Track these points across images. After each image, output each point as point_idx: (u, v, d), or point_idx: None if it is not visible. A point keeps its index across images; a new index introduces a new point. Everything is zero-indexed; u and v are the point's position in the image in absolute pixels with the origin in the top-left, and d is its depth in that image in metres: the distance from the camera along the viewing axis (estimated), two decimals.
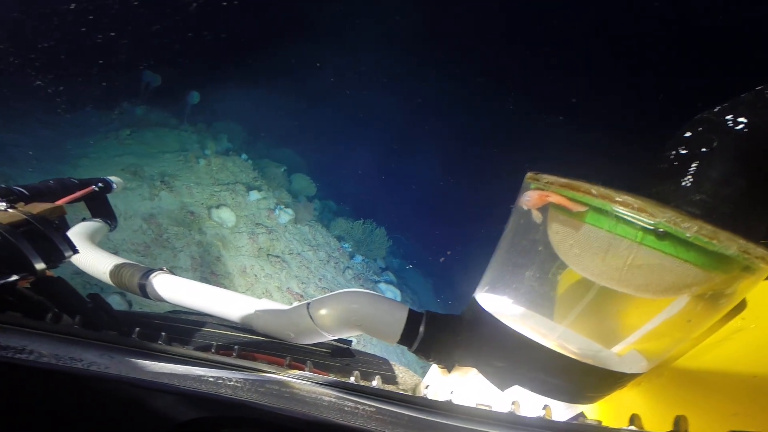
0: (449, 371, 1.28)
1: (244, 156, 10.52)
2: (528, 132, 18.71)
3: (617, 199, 0.85)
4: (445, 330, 1.21)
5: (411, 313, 1.24)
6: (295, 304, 1.40)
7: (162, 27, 13.48)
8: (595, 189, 0.88)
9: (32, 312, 0.81)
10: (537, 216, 1.01)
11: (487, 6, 18.34)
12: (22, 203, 1.05)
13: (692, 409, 1.01)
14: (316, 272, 8.42)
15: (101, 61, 12.00)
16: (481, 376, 1.15)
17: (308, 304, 1.33)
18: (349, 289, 1.32)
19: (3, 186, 1.29)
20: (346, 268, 9.39)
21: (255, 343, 1.52)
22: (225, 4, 14.62)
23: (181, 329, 1.50)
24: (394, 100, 20.09)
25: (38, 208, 1.05)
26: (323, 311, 1.28)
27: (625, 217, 0.85)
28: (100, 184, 1.85)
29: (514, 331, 1.04)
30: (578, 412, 1.11)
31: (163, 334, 0.85)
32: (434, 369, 1.41)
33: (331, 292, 1.35)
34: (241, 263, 7.37)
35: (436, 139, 20.67)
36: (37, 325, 0.77)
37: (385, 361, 1.82)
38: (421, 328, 1.20)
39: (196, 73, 13.78)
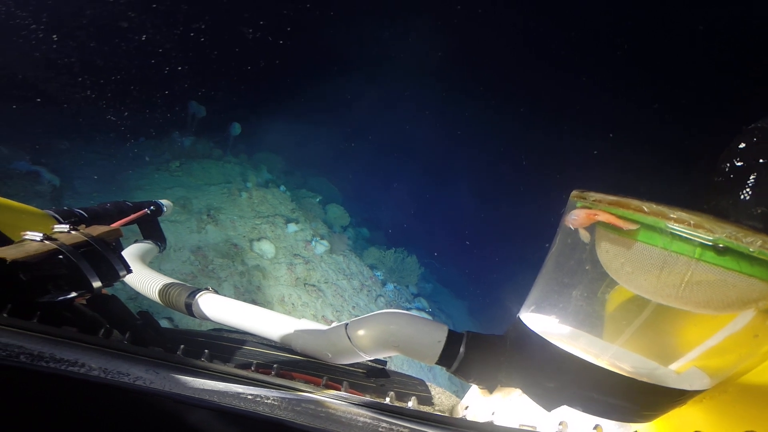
0: (491, 392, 1.20)
1: (282, 188, 10.72)
2: (564, 154, 18.29)
3: (671, 215, 0.78)
4: (487, 350, 1.14)
5: (451, 333, 1.18)
6: (334, 324, 1.36)
7: (207, 59, 14.06)
8: (646, 206, 0.82)
9: (86, 327, 0.82)
10: (584, 235, 0.95)
11: (519, 30, 18.27)
12: (83, 225, 1.07)
13: (761, 425, 0.90)
14: (349, 300, 8.38)
15: (166, 92, 12.44)
16: (525, 396, 1.07)
17: (346, 324, 1.29)
18: (387, 309, 1.28)
19: (66, 208, 1.34)
20: (378, 296, 9.31)
21: (293, 362, 1.49)
22: (269, 40, 15.30)
23: (223, 347, 1.49)
24: (427, 128, 20.21)
25: (98, 230, 1.08)
26: (361, 332, 1.24)
27: (681, 233, 0.78)
28: (152, 207, 1.90)
29: (564, 350, 0.97)
30: (632, 431, 1.03)
31: (206, 351, 0.85)
32: (474, 390, 1.32)
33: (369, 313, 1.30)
34: (280, 292, 7.43)
35: (470, 164, 20.59)
36: (90, 340, 0.78)
37: (421, 382, 1.73)
38: (462, 349, 1.14)
39: (238, 104, 14.17)
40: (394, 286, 10.47)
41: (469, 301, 14.76)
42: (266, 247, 8.06)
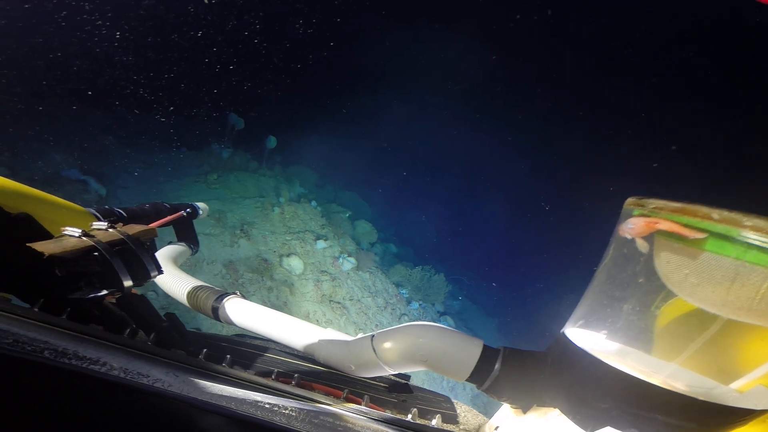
0: (525, 412, 1.09)
1: (313, 203, 10.73)
2: (609, 166, 17.72)
3: (746, 223, 0.68)
4: (527, 367, 1.04)
5: (486, 348, 1.08)
6: (359, 335, 1.28)
7: (248, 72, 14.30)
8: (716, 213, 0.72)
9: (113, 326, 0.80)
10: (642, 245, 0.85)
11: (565, 34, 17.81)
12: (120, 224, 1.06)
13: None
14: (373, 318, 8.26)
15: (208, 103, 12.54)
16: (563, 417, 0.97)
17: (372, 336, 1.21)
18: (417, 322, 1.19)
19: (106, 207, 1.34)
20: (402, 315, 9.14)
21: (314, 373, 1.43)
22: (307, 54, 15.49)
23: (245, 353, 1.45)
24: (460, 143, 20.04)
25: (134, 229, 1.06)
26: (387, 344, 1.16)
27: (758, 243, 0.67)
28: (188, 210, 1.89)
29: (617, 368, 0.87)
30: None
31: (228, 357, 0.83)
32: (505, 409, 1.21)
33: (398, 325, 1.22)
34: (306, 308, 7.40)
35: (505, 179, 20.23)
36: (114, 339, 0.76)
37: (446, 399, 1.62)
38: (497, 365, 1.04)
39: (275, 117, 14.29)
40: (420, 304, 10.27)
41: (499, 318, 14.33)
42: (295, 263, 8.08)
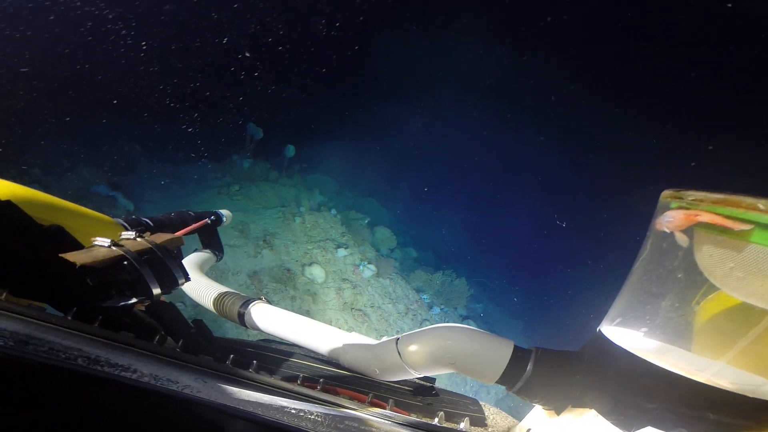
0: (558, 413, 1.04)
1: (333, 211, 10.71)
2: (629, 162, 17.08)
3: None
4: (561, 368, 1.00)
5: (517, 349, 1.04)
6: (384, 338, 1.26)
7: (267, 80, 14.21)
8: (762, 203, 0.68)
9: (143, 333, 0.81)
10: (682, 239, 0.80)
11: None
12: (148, 233, 1.07)
13: None
14: (394, 324, 8.20)
15: (227, 113, 12.32)
16: (600, 417, 0.93)
17: (397, 339, 1.18)
18: (443, 324, 1.16)
19: (133, 217, 1.36)
20: (423, 320, 9.04)
21: (338, 377, 1.41)
22: (321, 61, 15.36)
23: (271, 358, 1.44)
24: (481, 145, 19.65)
25: (161, 238, 1.07)
26: (413, 347, 1.12)
27: None
28: (212, 217, 1.92)
29: (659, 366, 0.83)
30: None
31: (254, 362, 0.83)
32: (537, 410, 1.16)
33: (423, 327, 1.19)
34: (328, 316, 7.41)
35: (527, 180, 19.77)
36: (144, 346, 0.77)
37: (474, 401, 1.56)
38: (529, 366, 1.00)
39: (293, 126, 14.15)
40: (441, 309, 10.13)
41: (524, 320, 13.95)
42: (317, 272, 8.12)
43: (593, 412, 0.95)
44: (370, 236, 10.95)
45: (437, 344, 1.10)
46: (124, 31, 10.74)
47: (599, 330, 1.00)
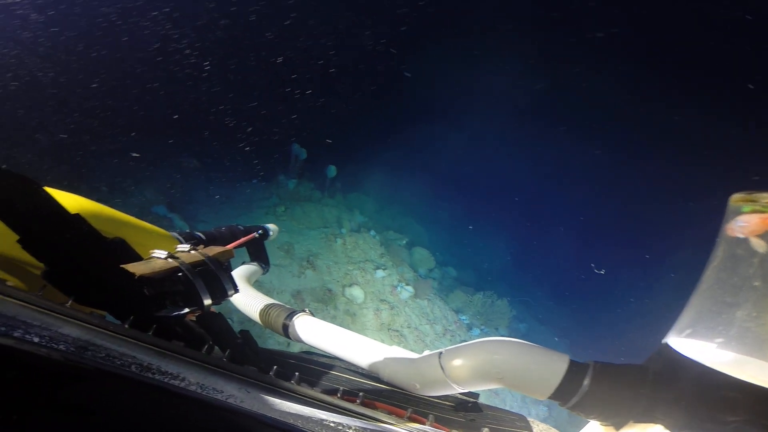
0: (618, 429, 0.96)
1: (372, 232, 10.69)
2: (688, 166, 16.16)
3: None
4: (623, 382, 0.92)
5: (572, 363, 0.97)
6: (426, 352, 1.21)
7: (312, 101, 14.32)
8: None
9: (192, 342, 0.81)
10: (758, 244, 0.72)
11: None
12: (201, 246, 1.10)
13: None
14: (431, 345, 8.00)
15: (275, 135, 12.34)
16: None
17: (440, 353, 1.12)
18: (490, 338, 1.09)
19: (188, 231, 1.40)
20: (462, 341, 8.72)
21: (378, 391, 1.36)
22: (366, 91, 15.48)
23: (311, 370, 1.43)
24: (522, 164, 19.11)
25: (213, 251, 1.09)
26: (457, 362, 1.07)
27: None
28: (260, 231, 1.97)
29: (741, 380, 0.76)
30: None
31: (296, 374, 0.82)
32: (593, 426, 1.07)
33: (467, 342, 1.13)
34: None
35: (571, 198, 19.04)
36: (193, 355, 0.77)
37: (521, 417, 1.46)
38: (586, 381, 0.93)
39: (335, 146, 14.13)
40: (481, 330, 9.78)
41: (571, 338, 13.18)
42: (356, 293, 8.13)
43: (659, 427, 0.88)
44: (409, 257, 10.84)
45: (485, 359, 1.04)
46: (187, 50, 11.19)
47: (665, 342, 0.93)
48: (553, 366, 0.96)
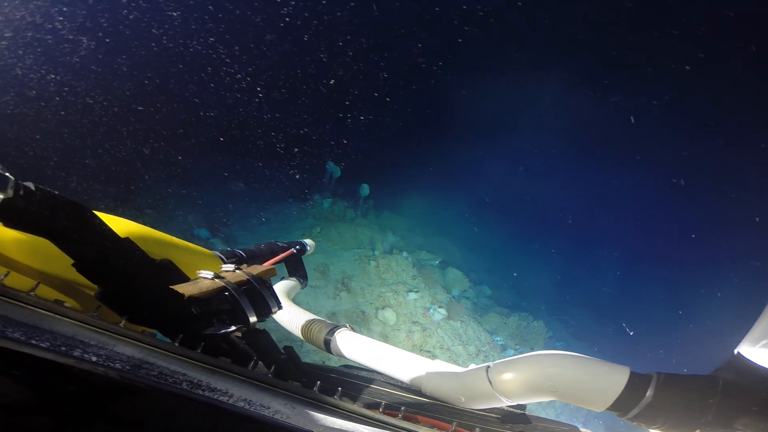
0: None
1: (404, 254, 10.48)
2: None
3: None
4: (690, 393, 0.90)
5: (633, 375, 0.94)
6: (472, 366, 1.17)
7: (343, 119, 14.30)
8: None
9: (238, 359, 0.81)
10: None
11: None
12: (245, 264, 1.10)
13: None
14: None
15: (312, 156, 12.24)
16: None
17: (488, 367, 1.09)
18: (543, 351, 1.05)
19: (229, 249, 1.42)
20: None
21: (419, 405, 1.32)
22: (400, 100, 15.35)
23: (353, 384, 1.40)
24: (558, 187, 18.67)
25: (257, 269, 1.10)
26: (508, 375, 1.03)
27: None
28: (297, 247, 1.99)
29: None
30: None
31: (339, 389, 0.81)
32: None
33: (518, 355, 1.08)
34: None
35: (617, 216, 18.34)
36: (240, 371, 0.77)
37: (573, 428, 1.37)
38: (650, 392, 0.90)
39: (368, 165, 13.99)
40: (516, 350, 9.35)
41: (610, 357, 12.46)
42: (389, 315, 8.03)
43: None
44: (441, 278, 10.58)
45: (539, 372, 1.00)
46: (239, 75, 11.43)
47: (737, 352, 0.89)
48: (613, 378, 0.94)
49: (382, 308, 8.11)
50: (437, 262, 11.10)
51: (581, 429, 1.36)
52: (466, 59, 17.17)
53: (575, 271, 16.85)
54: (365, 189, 11.49)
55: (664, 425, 0.93)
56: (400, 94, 16.29)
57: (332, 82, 13.40)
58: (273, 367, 0.85)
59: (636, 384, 0.93)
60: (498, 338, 9.50)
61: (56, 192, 0.77)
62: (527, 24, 16.71)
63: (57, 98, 8.70)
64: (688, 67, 15.04)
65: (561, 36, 16.50)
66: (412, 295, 8.71)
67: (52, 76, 8.73)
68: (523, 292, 13.23)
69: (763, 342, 0.86)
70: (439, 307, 8.83)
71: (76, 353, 0.64)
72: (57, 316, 0.72)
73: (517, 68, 17.30)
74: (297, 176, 11.64)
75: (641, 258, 18.05)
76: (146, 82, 10.50)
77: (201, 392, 0.65)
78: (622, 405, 0.92)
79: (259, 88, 12.09)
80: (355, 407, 0.77)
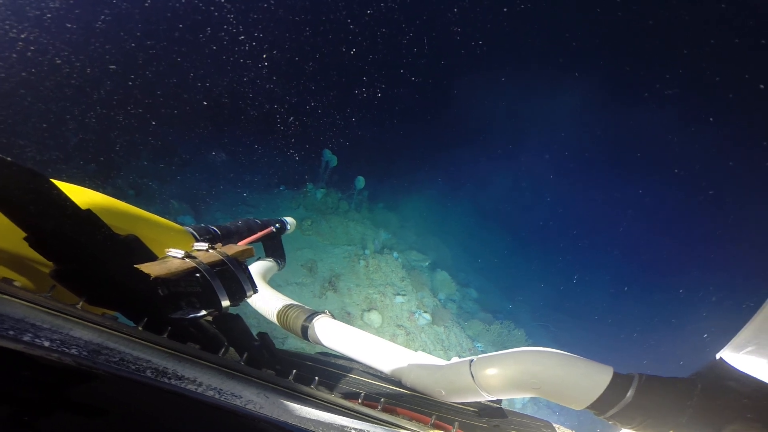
0: None
1: (395, 254, 10.28)
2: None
3: None
4: (669, 395, 0.90)
5: (616, 375, 0.95)
6: (455, 360, 1.16)
7: (343, 110, 14.06)
8: None
9: (208, 345, 0.75)
10: None
11: None
12: (219, 243, 1.03)
13: None
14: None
15: (306, 143, 11.94)
16: None
17: (471, 361, 1.08)
18: (527, 348, 1.04)
19: (202, 225, 1.32)
20: None
21: (398, 396, 1.29)
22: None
23: (329, 373, 1.36)
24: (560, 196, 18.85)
25: (232, 249, 1.02)
26: (491, 371, 1.03)
27: None
28: (277, 225, 1.87)
29: None
30: None
31: (316, 378, 0.79)
32: None
33: (500, 351, 1.08)
34: None
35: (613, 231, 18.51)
36: (209, 358, 0.72)
37: (546, 424, 1.39)
38: (630, 393, 0.91)
39: (364, 156, 13.64)
40: None
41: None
42: (374, 317, 7.96)
43: None
44: (429, 281, 10.51)
45: (522, 369, 0.99)
46: (242, 37, 11.16)
47: (720, 357, 0.93)
48: (596, 377, 0.93)
49: (368, 310, 8.01)
50: (427, 264, 11.03)
51: (554, 424, 1.37)
52: (481, 64, 17.20)
53: (566, 280, 17.11)
54: (361, 181, 11.21)
55: (639, 426, 0.93)
56: (413, 80, 16.12)
57: (353, 51, 13.14)
58: (245, 354, 0.79)
59: (618, 384, 0.93)
60: (479, 344, 9.53)
61: (9, 158, 0.68)
62: (538, 33, 16.93)
63: (14, 56, 7.85)
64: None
65: (571, 47, 16.76)
66: (399, 299, 8.64)
67: (14, 33, 7.92)
68: (510, 295, 13.26)
69: (748, 348, 0.89)
70: (425, 312, 8.78)
71: (25, 338, 0.58)
72: (5, 296, 0.66)
73: (528, 76, 17.52)
74: (296, 157, 11.29)
75: (633, 277, 18.36)
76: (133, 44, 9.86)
77: (167, 380, 0.60)
78: (602, 404, 0.93)
79: (264, 53, 11.68)
80: (333, 397, 0.74)
